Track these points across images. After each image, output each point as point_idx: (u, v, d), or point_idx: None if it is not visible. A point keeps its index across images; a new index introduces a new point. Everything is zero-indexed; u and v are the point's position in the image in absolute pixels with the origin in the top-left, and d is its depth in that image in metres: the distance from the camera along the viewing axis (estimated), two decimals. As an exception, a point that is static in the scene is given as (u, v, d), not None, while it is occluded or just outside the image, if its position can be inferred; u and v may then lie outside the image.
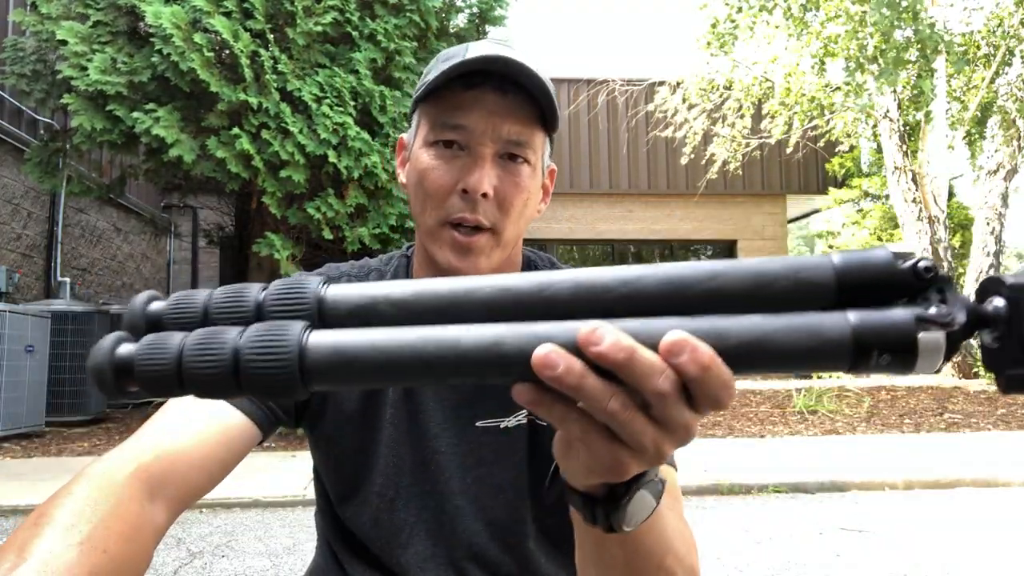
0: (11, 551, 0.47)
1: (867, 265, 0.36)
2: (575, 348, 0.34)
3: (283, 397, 0.35)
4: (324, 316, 0.37)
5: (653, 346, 0.34)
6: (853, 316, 0.35)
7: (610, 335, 0.33)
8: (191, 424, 0.65)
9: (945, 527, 3.57)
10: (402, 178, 0.80)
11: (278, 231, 5.87)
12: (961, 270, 10.67)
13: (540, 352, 0.33)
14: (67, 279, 7.52)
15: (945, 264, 8.70)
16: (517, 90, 0.71)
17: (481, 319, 0.36)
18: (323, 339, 0.35)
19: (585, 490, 0.44)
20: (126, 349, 0.35)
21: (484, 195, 0.71)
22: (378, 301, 0.37)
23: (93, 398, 6.63)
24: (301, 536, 3.46)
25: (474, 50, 0.70)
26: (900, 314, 0.35)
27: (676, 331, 0.34)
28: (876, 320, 0.34)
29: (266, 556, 3.17)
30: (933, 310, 0.34)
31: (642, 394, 0.34)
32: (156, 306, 0.38)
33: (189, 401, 0.69)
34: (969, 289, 9.02)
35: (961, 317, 0.35)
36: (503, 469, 0.79)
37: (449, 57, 0.72)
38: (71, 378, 6.47)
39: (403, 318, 0.36)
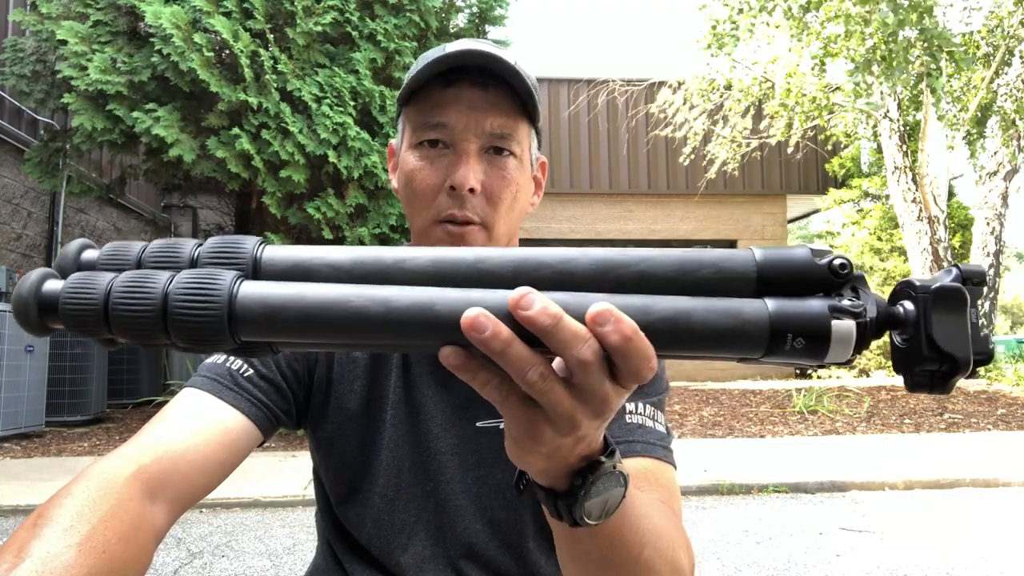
0: (10, 551, 0.47)
1: (787, 260, 0.38)
2: (506, 316, 0.35)
3: (210, 345, 0.34)
4: (259, 272, 0.37)
5: (580, 317, 0.35)
6: (771, 303, 0.37)
7: (539, 301, 0.34)
8: (192, 425, 0.65)
9: (945, 527, 3.57)
10: (394, 183, 0.80)
11: (278, 231, 5.87)
12: (961, 270, 10.64)
13: (469, 314, 0.34)
14: (67, 279, 7.52)
15: (945, 264, 8.70)
16: (497, 83, 0.71)
17: (417, 285, 0.37)
18: (254, 289, 0.35)
19: (548, 485, 0.45)
20: (52, 285, 0.34)
21: (472, 190, 0.70)
22: (315, 262, 0.37)
23: (93, 398, 6.63)
24: (301, 536, 3.46)
25: (451, 48, 0.70)
26: (815, 304, 0.37)
27: (602, 302, 0.35)
28: (793, 308, 0.36)
29: (266, 556, 3.17)
30: (846, 302, 0.36)
31: (565, 361, 0.36)
32: (89, 254, 0.37)
33: (190, 402, 0.69)
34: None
35: (872, 310, 0.37)
36: (503, 469, 0.79)
37: (428, 58, 0.72)
38: (71, 378, 6.47)
39: (340, 280, 0.36)
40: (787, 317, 0.36)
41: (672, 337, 0.36)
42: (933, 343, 0.36)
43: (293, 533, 3.53)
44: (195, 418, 0.67)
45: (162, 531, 0.58)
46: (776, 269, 0.38)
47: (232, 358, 0.73)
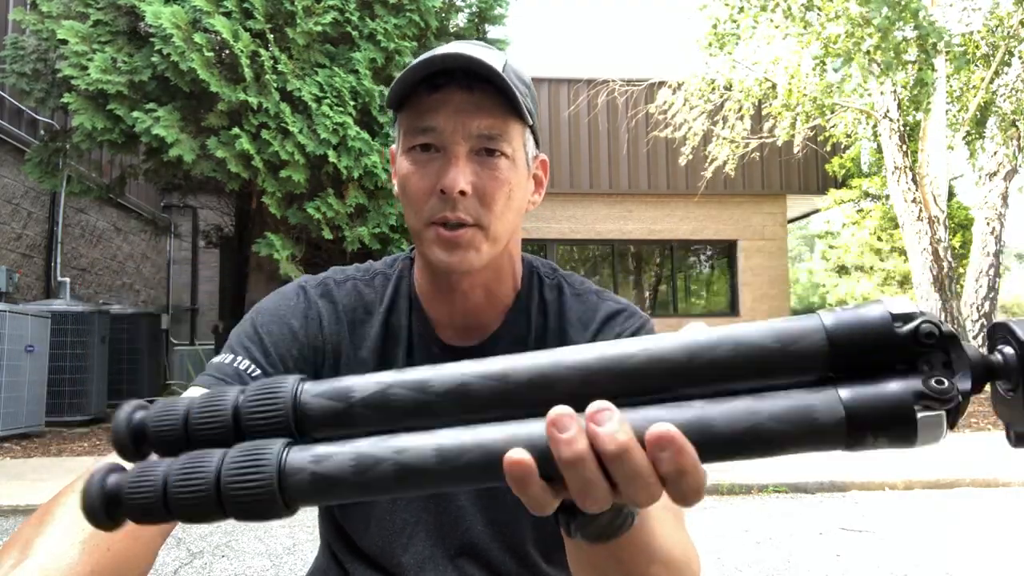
0: (15, 548, 0.47)
1: (861, 328, 0.33)
2: (544, 448, 0.34)
3: (265, 519, 0.35)
4: (300, 422, 0.37)
5: (639, 434, 0.33)
6: (845, 394, 0.33)
7: (612, 422, 0.34)
8: None
9: (945, 527, 3.57)
10: (395, 187, 0.81)
11: (278, 231, 5.86)
12: (961, 270, 10.67)
13: (512, 456, 0.34)
14: (67, 279, 7.52)
15: (945, 264, 8.70)
16: (483, 85, 0.70)
17: (452, 406, 0.36)
18: (301, 459, 0.35)
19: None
20: (115, 480, 0.36)
21: (462, 193, 0.70)
22: (352, 403, 0.37)
23: (93, 398, 6.63)
24: (301, 536, 3.46)
25: (436, 52, 0.70)
26: (896, 390, 0.32)
27: (664, 424, 0.33)
28: (871, 398, 0.32)
29: (266, 556, 3.17)
30: (934, 383, 0.32)
31: (619, 483, 0.35)
32: (140, 415, 0.38)
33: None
34: (970, 288, 9.04)
35: (965, 386, 0.32)
36: None
37: (414, 63, 0.72)
38: (71, 378, 6.46)
39: (379, 419, 0.36)
40: (865, 412, 0.32)
41: (739, 449, 0.33)
42: None
43: (293, 533, 3.53)
44: None
45: (167, 528, 0.58)
46: (849, 338, 0.33)
47: (240, 357, 0.73)
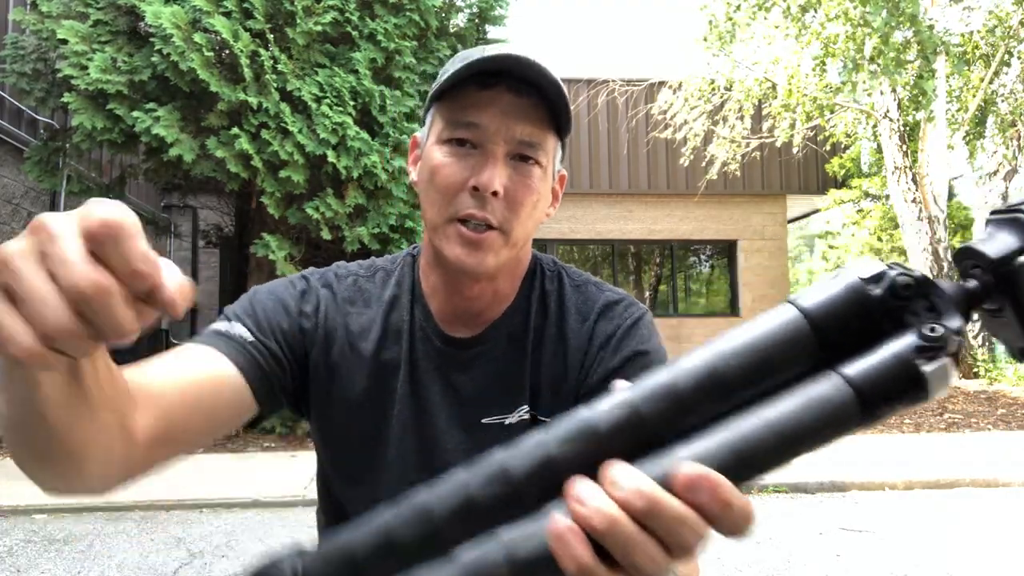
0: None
1: (838, 302, 0.33)
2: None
3: None
4: None
5: (662, 482, 0.31)
6: (847, 371, 0.32)
7: (631, 479, 0.31)
8: (180, 366, 0.65)
9: (945, 527, 3.57)
10: (413, 176, 0.81)
11: (277, 231, 5.86)
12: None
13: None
14: (67, 279, 7.51)
15: (945, 264, 8.70)
16: (532, 91, 0.71)
17: (460, 523, 0.33)
18: None
19: None
20: None
21: (495, 193, 0.71)
22: (357, 563, 0.34)
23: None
24: (301, 536, 3.46)
25: (491, 52, 0.71)
26: (894, 351, 0.31)
27: (689, 462, 0.31)
28: (873, 369, 0.31)
29: (266, 556, 3.16)
30: (927, 332, 0.31)
31: (662, 541, 0.31)
32: None
33: (182, 349, 0.69)
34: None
35: (955, 324, 0.32)
36: None
37: (466, 57, 0.72)
38: (71, 378, 6.46)
39: (391, 566, 0.34)
40: (871, 384, 0.31)
41: (770, 461, 0.31)
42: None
43: (293, 533, 3.53)
44: (185, 360, 0.66)
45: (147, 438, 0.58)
46: (829, 317, 0.32)
47: (235, 324, 0.73)
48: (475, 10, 6.97)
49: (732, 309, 11.56)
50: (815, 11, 8.86)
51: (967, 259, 0.34)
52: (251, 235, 6.29)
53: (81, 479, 0.52)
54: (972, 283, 0.34)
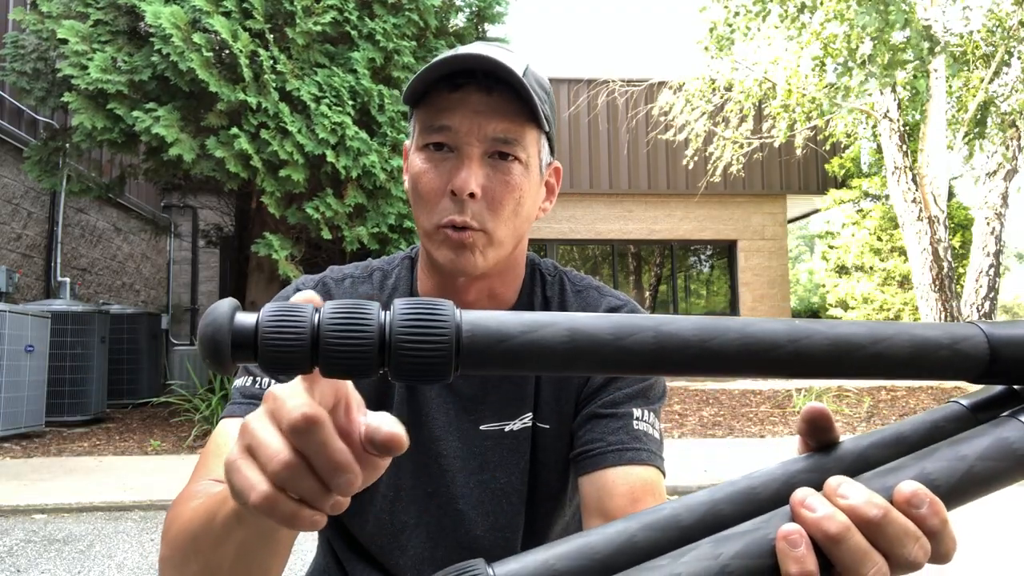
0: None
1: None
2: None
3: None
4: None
5: (888, 496, 0.31)
6: None
7: (860, 491, 0.31)
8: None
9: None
10: (406, 184, 0.81)
11: (277, 231, 5.86)
12: (961, 270, 10.68)
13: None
14: (67, 279, 7.52)
15: (945, 264, 8.71)
16: (503, 87, 0.70)
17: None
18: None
19: None
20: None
21: (472, 195, 0.70)
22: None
23: (93, 398, 6.63)
24: (301, 536, 3.46)
25: (460, 52, 0.70)
26: None
27: (909, 481, 0.31)
28: None
29: (266, 556, 3.16)
30: None
31: (887, 559, 0.31)
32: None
33: (234, 431, 0.68)
34: (970, 288, 9.03)
35: None
36: (506, 472, 0.79)
37: (435, 61, 0.72)
38: (71, 378, 6.46)
39: None
40: None
41: (961, 495, 0.32)
42: None
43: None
44: None
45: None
46: (1014, 351, 0.33)
47: (262, 379, 0.73)
48: (474, 9, 6.97)
49: (732, 309, 11.56)
50: (811, 14, 8.88)
51: None
52: (251, 235, 6.29)
53: None
54: None
